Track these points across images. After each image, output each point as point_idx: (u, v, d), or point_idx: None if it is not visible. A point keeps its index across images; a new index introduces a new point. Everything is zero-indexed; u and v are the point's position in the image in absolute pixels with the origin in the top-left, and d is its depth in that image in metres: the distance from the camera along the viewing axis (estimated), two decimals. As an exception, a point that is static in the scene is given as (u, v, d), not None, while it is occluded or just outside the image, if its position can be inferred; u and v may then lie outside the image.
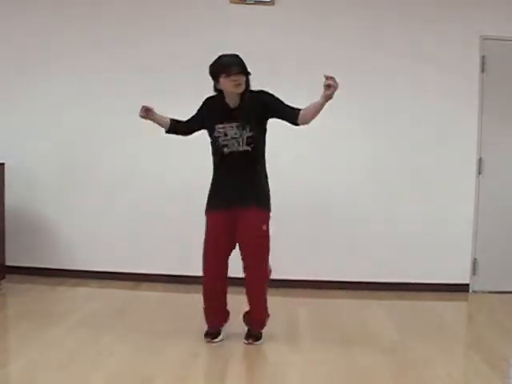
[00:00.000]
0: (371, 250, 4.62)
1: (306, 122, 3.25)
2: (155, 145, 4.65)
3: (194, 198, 4.60)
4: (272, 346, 3.37)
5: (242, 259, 3.34)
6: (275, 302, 3.89)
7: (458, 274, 4.66)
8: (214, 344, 3.34)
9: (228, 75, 3.11)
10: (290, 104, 3.28)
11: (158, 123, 3.42)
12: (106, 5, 4.63)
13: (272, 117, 3.29)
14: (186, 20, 4.61)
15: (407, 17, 4.57)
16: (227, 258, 3.39)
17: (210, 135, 3.30)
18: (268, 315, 3.47)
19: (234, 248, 3.37)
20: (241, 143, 3.22)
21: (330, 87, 3.09)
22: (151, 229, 4.68)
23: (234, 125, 3.22)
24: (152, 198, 4.66)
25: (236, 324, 3.66)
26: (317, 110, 3.18)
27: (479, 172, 4.63)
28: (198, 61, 4.56)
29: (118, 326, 3.59)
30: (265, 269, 3.38)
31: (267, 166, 3.39)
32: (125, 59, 4.63)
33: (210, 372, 3.00)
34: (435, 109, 4.60)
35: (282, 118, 3.28)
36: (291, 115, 3.24)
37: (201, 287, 4.53)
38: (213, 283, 3.37)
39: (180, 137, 3.51)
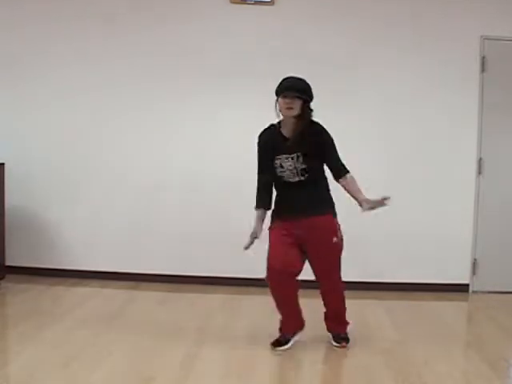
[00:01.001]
0: (371, 250, 4.62)
1: (341, 184, 3.28)
2: (155, 145, 4.66)
3: (195, 198, 4.63)
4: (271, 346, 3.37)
5: (314, 271, 3.33)
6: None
7: (458, 274, 4.66)
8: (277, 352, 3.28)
9: (284, 97, 3.12)
10: (339, 159, 3.27)
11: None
12: (106, 5, 4.63)
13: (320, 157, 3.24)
14: (186, 20, 4.60)
15: (407, 17, 4.57)
16: (297, 259, 3.23)
17: (271, 165, 3.27)
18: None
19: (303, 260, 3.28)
20: (296, 174, 3.21)
21: (377, 206, 3.18)
22: (151, 229, 4.68)
23: (288, 157, 3.19)
24: (152, 198, 4.66)
25: (237, 325, 3.67)
26: (351, 194, 3.27)
27: (479, 172, 4.63)
28: (199, 61, 4.61)
29: (117, 326, 3.59)
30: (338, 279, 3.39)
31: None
32: (125, 59, 4.63)
33: (209, 372, 3.00)
34: (435, 109, 4.60)
35: (328, 167, 3.28)
36: (337, 170, 3.26)
37: (198, 287, 4.54)
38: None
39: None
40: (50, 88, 4.67)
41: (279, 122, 3.28)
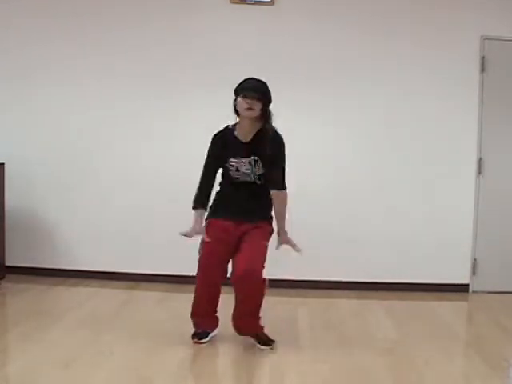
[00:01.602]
0: (371, 250, 4.63)
1: (273, 197, 3.27)
2: (155, 145, 4.66)
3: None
4: (272, 346, 3.37)
5: (234, 268, 3.20)
6: (275, 302, 3.90)
7: (458, 274, 4.66)
8: (202, 345, 3.30)
9: (244, 97, 3.12)
10: (282, 173, 3.24)
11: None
12: (106, 6, 4.63)
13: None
14: (186, 20, 4.60)
15: (407, 17, 4.57)
16: (226, 263, 3.28)
17: (223, 165, 3.31)
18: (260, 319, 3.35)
19: (231, 258, 3.27)
20: (252, 177, 3.25)
21: (290, 245, 3.31)
22: (151, 229, 4.68)
23: (245, 160, 3.22)
24: (152, 198, 4.66)
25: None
26: (277, 212, 3.30)
27: (479, 172, 4.63)
28: (199, 61, 4.61)
29: (117, 326, 3.59)
30: (260, 276, 3.20)
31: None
32: (125, 59, 4.63)
33: (209, 372, 3.00)
34: (435, 109, 4.60)
35: (268, 176, 3.24)
36: (277, 181, 3.23)
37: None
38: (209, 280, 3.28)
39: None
40: (49, 88, 4.66)
41: (234, 125, 3.30)
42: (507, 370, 3.11)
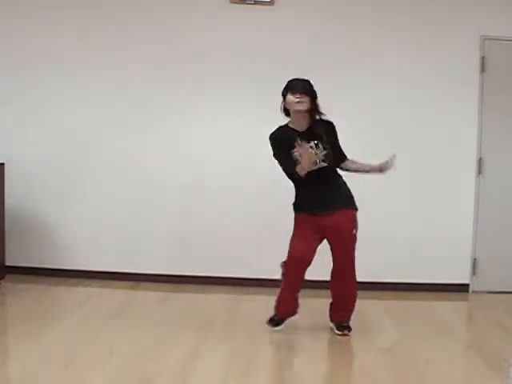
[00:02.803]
0: (371, 250, 4.61)
1: (345, 170, 3.61)
2: (155, 145, 4.66)
3: (194, 198, 4.63)
4: (272, 346, 3.37)
5: (333, 254, 3.54)
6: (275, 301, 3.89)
7: (458, 274, 4.66)
8: (274, 330, 3.55)
9: (293, 93, 3.36)
10: (342, 150, 3.56)
11: None
12: (107, 4, 4.63)
13: None
14: (186, 20, 4.60)
15: (407, 17, 4.58)
16: (313, 251, 3.51)
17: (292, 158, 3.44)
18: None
19: (317, 247, 3.53)
20: (317, 161, 3.40)
21: (387, 167, 3.56)
22: (151, 229, 4.68)
23: (308, 145, 3.35)
24: (152, 198, 4.66)
25: (237, 325, 3.67)
26: (360, 170, 3.62)
27: (479, 172, 4.63)
28: (199, 60, 4.61)
29: (118, 326, 3.59)
30: (352, 268, 3.59)
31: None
32: (125, 58, 4.63)
33: (209, 372, 3.00)
34: (435, 109, 4.60)
35: (331, 158, 3.47)
36: (339, 158, 3.54)
37: (198, 287, 4.55)
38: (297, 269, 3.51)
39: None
40: (49, 88, 4.66)
41: (287, 123, 3.50)
42: (507, 369, 3.11)
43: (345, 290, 3.60)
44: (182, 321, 3.74)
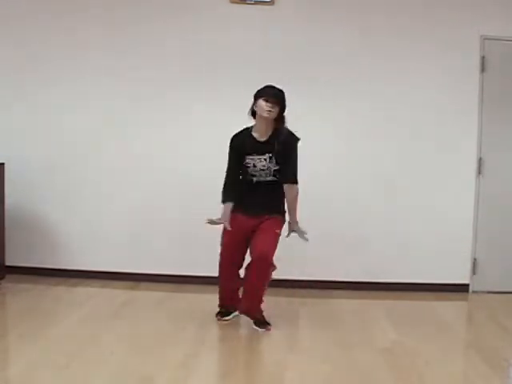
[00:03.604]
0: (371, 249, 4.63)
1: (286, 191, 3.59)
2: (155, 145, 4.66)
3: (194, 198, 4.63)
4: (272, 345, 3.37)
5: (250, 251, 3.60)
6: (276, 301, 3.90)
7: (458, 274, 4.66)
8: (225, 322, 3.69)
9: (266, 100, 3.45)
10: (296, 168, 3.56)
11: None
12: (107, 5, 4.63)
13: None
14: (185, 20, 4.60)
15: (407, 17, 4.57)
16: (243, 249, 3.65)
17: (241, 164, 3.61)
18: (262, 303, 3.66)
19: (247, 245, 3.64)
20: (268, 174, 3.56)
21: (299, 235, 3.63)
22: (151, 229, 4.68)
23: (262, 157, 3.53)
24: (152, 198, 4.66)
25: (237, 325, 3.67)
26: (289, 206, 3.63)
27: (479, 172, 4.63)
28: (199, 60, 4.61)
29: (117, 326, 3.59)
30: (270, 260, 3.56)
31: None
32: (124, 59, 4.62)
33: (209, 372, 3.00)
34: (435, 109, 4.60)
35: (282, 171, 3.56)
36: (289, 176, 3.56)
37: (198, 287, 4.55)
38: (229, 267, 3.70)
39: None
40: (49, 88, 4.66)
41: (251, 126, 3.62)
42: (507, 369, 3.11)
43: (254, 284, 3.60)
44: (182, 321, 3.74)
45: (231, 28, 4.60)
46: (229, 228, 3.57)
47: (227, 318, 3.77)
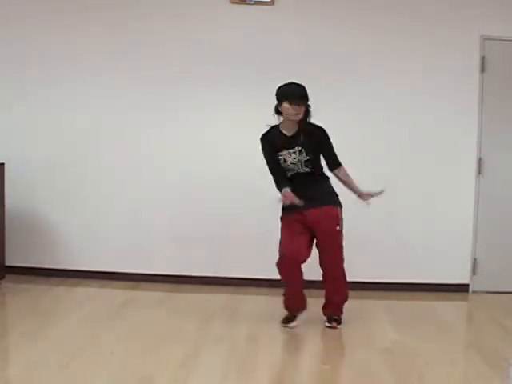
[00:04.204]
0: (371, 249, 4.62)
1: (336, 176, 3.68)
2: (155, 145, 4.66)
3: (194, 198, 4.63)
4: (272, 346, 3.37)
5: (319, 253, 3.62)
6: (276, 302, 3.89)
7: (458, 274, 4.66)
8: (289, 329, 3.60)
9: (290, 103, 3.41)
10: (333, 154, 3.63)
11: None
12: (107, 5, 4.63)
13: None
14: (185, 20, 4.60)
15: (407, 17, 4.57)
16: (305, 246, 3.59)
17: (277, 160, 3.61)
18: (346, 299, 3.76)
19: (312, 242, 3.63)
20: (300, 166, 3.55)
21: (368, 198, 3.67)
22: (151, 229, 4.68)
23: (291, 151, 3.53)
24: (152, 198, 4.66)
25: (237, 325, 3.67)
26: (347, 186, 3.68)
27: (479, 172, 4.63)
28: (198, 60, 4.61)
29: (117, 326, 3.59)
30: (340, 262, 3.66)
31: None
32: (124, 59, 4.63)
33: (209, 372, 3.00)
34: (435, 109, 4.60)
35: (325, 159, 3.64)
36: (333, 163, 3.64)
37: (198, 287, 4.55)
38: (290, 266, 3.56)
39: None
40: (50, 88, 4.66)
41: (279, 124, 3.59)
42: (507, 369, 3.11)
43: (334, 288, 3.68)
44: (181, 321, 3.74)
45: (231, 28, 4.60)
46: (298, 202, 3.42)
47: (294, 323, 3.64)
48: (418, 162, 4.63)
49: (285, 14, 4.58)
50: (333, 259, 3.64)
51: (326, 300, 3.73)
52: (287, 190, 3.48)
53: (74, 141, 4.69)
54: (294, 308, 3.68)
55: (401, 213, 4.65)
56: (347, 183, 3.67)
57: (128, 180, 4.69)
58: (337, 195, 3.68)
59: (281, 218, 3.65)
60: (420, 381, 2.90)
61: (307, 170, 3.55)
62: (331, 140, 3.60)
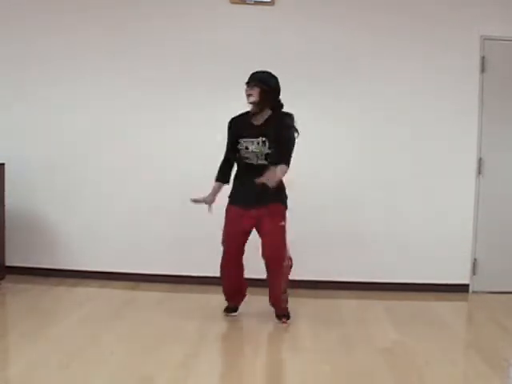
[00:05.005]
0: (371, 250, 4.62)
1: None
2: (155, 145, 4.66)
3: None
4: (272, 345, 3.37)
5: (262, 251, 3.61)
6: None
7: (458, 274, 4.66)
8: (230, 318, 3.77)
9: (245, 84, 3.53)
10: (288, 149, 3.52)
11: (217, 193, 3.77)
12: (106, 5, 4.63)
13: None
14: (185, 20, 4.60)
15: (407, 18, 4.57)
16: (242, 245, 3.69)
17: (236, 147, 3.64)
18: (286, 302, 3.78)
19: (247, 239, 3.69)
20: (259, 157, 3.54)
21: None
22: (151, 229, 4.68)
23: (255, 140, 3.54)
24: (152, 198, 4.66)
25: (237, 325, 3.67)
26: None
27: (479, 172, 4.63)
28: (198, 60, 4.61)
29: (118, 326, 3.59)
30: (283, 259, 3.64)
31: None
32: (124, 59, 4.63)
33: (209, 372, 3.00)
34: (435, 109, 4.60)
35: (275, 154, 3.52)
36: (279, 156, 3.49)
37: (198, 287, 4.54)
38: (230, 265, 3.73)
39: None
40: (50, 88, 4.66)
41: (248, 113, 3.65)
42: (507, 369, 3.11)
43: (272, 281, 3.68)
44: (181, 321, 3.74)
45: (231, 28, 4.60)
46: (210, 211, 3.63)
47: (234, 313, 3.84)
48: (417, 162, 4.62)
49: (285, 14, 4.58)
50: (274, 253, 3.59)
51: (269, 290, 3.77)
52: (217, 186, 3.68)
53: (74, 141, 4.69)
54: (236, 302, 3.85)
55: (401, 213, 4.65)
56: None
57: (128, 180, 4.68)
58: (285, 193, 3.67)
59: (226, 210, 3.68)
60: (420, 381, 2.90)
61: (265, 162, 3.51)
62: (295, 137, 3.54)
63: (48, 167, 4.70)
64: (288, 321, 3.72)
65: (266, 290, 3.74)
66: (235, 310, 3.87)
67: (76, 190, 4.71)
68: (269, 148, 3.51)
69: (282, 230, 3.60)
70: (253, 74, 3.57)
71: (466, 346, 3.61)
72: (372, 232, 4.63)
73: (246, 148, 3.55)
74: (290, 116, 3.56)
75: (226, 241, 3.70)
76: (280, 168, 3.44)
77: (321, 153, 4.61)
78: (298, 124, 3.60)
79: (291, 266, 3.79)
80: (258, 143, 3.52)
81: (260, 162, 3.54)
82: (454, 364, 3.18)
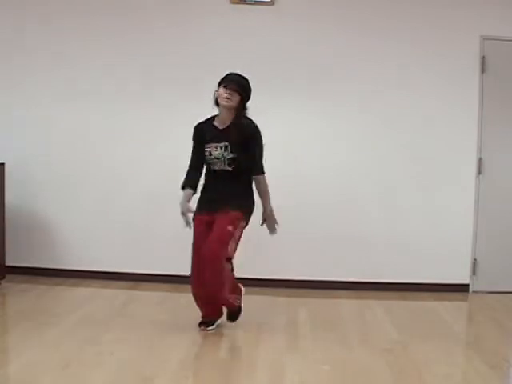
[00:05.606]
0: (371, 249, 4.62)
1: (255, 182, 3.52)
2: (154, 145, 4.66)
3: (194, 198, 4.62)
4: (272, 345, 3.37)
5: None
6: (276, 302, 3.90)
7: (458, 274, 4.66)
8: (209, 332, 3.50)
9: (225, 86, 3.39)
10: (261, 158, 3.48)
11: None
12: (106, 5, 4.63)
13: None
14: (185, 20, 4.61)
15: (407, 18, 4.57)
16: None
17: (202, 153, 3.54)
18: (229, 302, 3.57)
19: None
20: (223, 163, 3.45)
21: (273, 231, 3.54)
22: (151, 229, 4.68)
23: (218, 145, 3.45)
24: (152, 198, 4.66)
25: (236, 325, 3.67)
26: (261, 196, 3.51)
27: (479, 172, 4.63)
28: (198, 60, 4.61)
29: (117, 326, 3.59)
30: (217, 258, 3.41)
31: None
32: (124, 58, 4.63)
33: (209, 372, 3.00)
34: (435, 109, 4.60)
35: (249, 161, 3.45)
36: (255, 168, 3.47)
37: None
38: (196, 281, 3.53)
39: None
40: (50, 88, 4.66)
41: (213, 117, 3.55)
42: (507, 369, 3.11)
43: (206, 283, 3.46)
44: (182, 321, 3.74)
45: (231, 28, 4.60)
46: (189, 225, 3.49)
47: (210, 328, 3.54)
48: (417, 162, 4.62)
49: (285, 14, 4.58)
50: (211, 251, 3.38)
51: None
52: (187, 194, 3.50)
53: (74, 141, 4.68)
54: (212, 317, 3.57)
55: (401, 213, 4.65)
56: (262, 194, 3.51)
57: (128, 180, 4.68)
58: (250, 202, 3.53)
59: (193, 218, 3.53)
60: (420, 381, 2.90)
61: (228, 168, 3.43)
62: (262, 142, 3.46)
63: (48, 167, 4.70)
64: (209, 327, 3.54)
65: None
66: (212, 323, 3.58)
67: (76, 190, 4.71)
68: (231, 152, 3.41)
69: (227, 233, 3.37)
70: (233, 77, 3.45)
71: (465, 346, 3.60)
72: (372, 232, 4.63)
73: (210, 154, 3.47)
74: (252, 122, 3.47)
75: (195, 251, 3.54)
76: (264, 182, 3.48)
77: (320, 153, 4.61)
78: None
79: (232, 273, 3.58)
80: (222, 148, 3.43)
81: (223, 167, 3.45)
82: (454, 364, 3.18)
